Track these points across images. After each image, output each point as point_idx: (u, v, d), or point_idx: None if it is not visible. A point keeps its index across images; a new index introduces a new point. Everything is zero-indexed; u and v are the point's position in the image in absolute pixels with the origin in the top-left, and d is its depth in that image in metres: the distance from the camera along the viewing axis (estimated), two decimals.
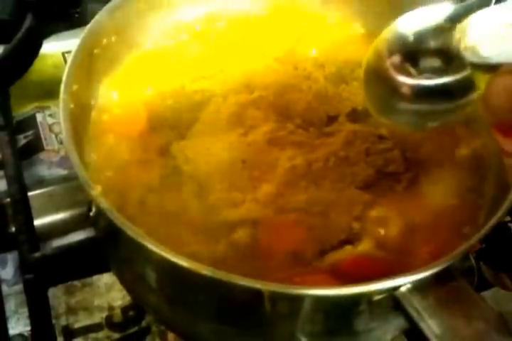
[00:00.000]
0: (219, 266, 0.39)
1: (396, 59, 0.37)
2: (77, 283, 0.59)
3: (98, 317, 0.58)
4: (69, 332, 0.57)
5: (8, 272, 0.61)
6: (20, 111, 0.74)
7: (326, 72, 0.52)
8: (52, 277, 0.55)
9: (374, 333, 0.43)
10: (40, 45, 0.71)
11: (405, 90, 0.37)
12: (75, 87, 0.45)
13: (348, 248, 0.43)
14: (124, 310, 0.58)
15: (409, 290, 0.36)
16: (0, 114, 0.64)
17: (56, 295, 0.58)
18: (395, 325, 0.43)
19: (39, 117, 0.73)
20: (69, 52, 0.77)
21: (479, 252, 0.59)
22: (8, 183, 0.58)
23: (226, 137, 0.48)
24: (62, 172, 0.69)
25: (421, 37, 0.36)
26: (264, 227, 0.44)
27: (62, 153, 0.70)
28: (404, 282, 0.36)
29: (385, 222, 0.44)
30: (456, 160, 0.47)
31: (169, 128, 0.49)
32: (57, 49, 0.78)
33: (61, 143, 0.71)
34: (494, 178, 0.45)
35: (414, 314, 0.36)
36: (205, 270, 0.36)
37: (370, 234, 0.43)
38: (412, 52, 0.36)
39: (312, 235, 0.43)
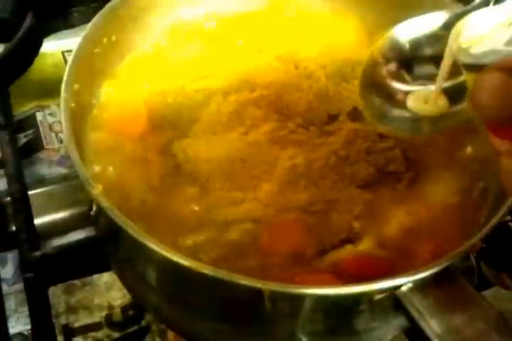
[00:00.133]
0: (219, 265, 0.39)
1: (392, 66, 0.37)
2: (77, 282, 0.59)
3: (98, 316, 0.57)
4: (69, 331, 0.57)
5: (8, 271, 0.61)
6: (21, 110, 0.74)
7: (326, 71, 0.52)
8: (52, 276, 0.55)
9: (375, 332, 0.43)
10: (40, 44, 0.71)
11: (400, 97, 0.38)
12: (75, 86, 0.45)
13: (349, 247, 0.43)
14: (124, 309, 0.58)
15: (410, 290, 0.36)
16: (0, 113, 0.64)
17: (56, 294, 0.58)
18: (396, 324, 0.43)
19: (39, 116, 0.73)
20: (69, 51, 0.77)
21: (479, 251, 0.58)
22: (9, 182, 0.58)
23: (227, 136, 0.48)
24: (62, 171, 0.69)
25: (417, 44, 0.36)
26: (264, 226, 0.44)
27: (62, 152, 0.70)
28: (405, 281, 0.36)
29: (386, 221, 0.44)
30: (457, 159, 0.47)
31: (170, 127, 0.49)
32: (57, 48, 0.78)
33: (61, 142, 0.71)
34: (495, 178, 0.45)
35: (415, 313, 0.36)
36: (205, 269, 0.36)
37: (370, 233, 0.43)
38: (407, 60, 0.37)
39: (313, 234, 0.43)
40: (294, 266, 0.42)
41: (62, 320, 0.57)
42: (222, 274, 0.35)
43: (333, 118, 0.50)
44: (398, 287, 0.36)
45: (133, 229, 0.37)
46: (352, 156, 0.47)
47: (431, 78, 0.37)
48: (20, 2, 0.67)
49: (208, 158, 0.46)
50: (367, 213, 0.44)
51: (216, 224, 0.44)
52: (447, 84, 0.36)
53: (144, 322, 0.57)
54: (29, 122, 0.73)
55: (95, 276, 0.59)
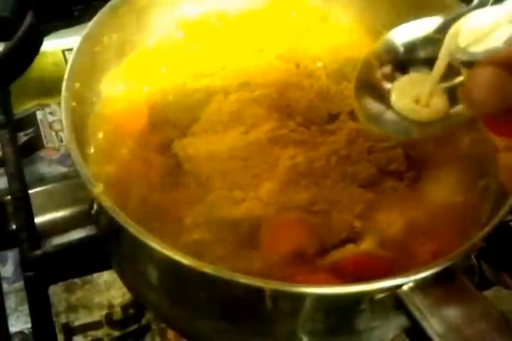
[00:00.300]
0: (220, 263, 0.39)
1: (387, 69, 0.38)
2: (77, 280, 0.59)
3: (98, 315, 0.57)
4: (69, 330, 0.57)
5: (9, 269, 0.61)
6: (21, 108, 0.74)
7: (327, 70, 0.52)
8: (52, 274, 0.55)
9: (375, 332, 0.43)
10: (40, 43, 0.71)
11: None
12: (76, 85, 0.45)
13: (350, 246, 0.43)
14: (124, 307, 0.58)
15: (411, 289, 0.36)
16: (0, 112, 0.64)
17: (56, 292, 0.58)
18: (397, 323, 0.43)
19: (39, 115, 0.73)
20: (69, 49, 0.77)
21: (480, 251, 0.59)
22: (9, 181, 0.58)
23: (227, 135, 0.48)
24: (62, 169, 0.69)
25: (411, 47, 0.37)
26: (265, 226, 0.44)
27: (62, 150, 0.70)
28: (406, 281, 0.36)
29: (387, 220, 0.44)
30: (459, 158, 0.47)
31: (170, 125, 0.49)
32: (58, 47, 0.78)
33: (61, 140, 0.71)
34: (496, 177, 0.45)
35: (416, 313, 0.36)
36: (206, 268, 0.36)
37: (372, 232, 0.43)
38: (402, 62, 0.37)
39: (314, 234, 0.43)
40: (295, 265, 0.42)
41: (63, 319, 0.57)
42: (223, 273, 0.35)
43: (334, 117, 0.50)
44: (399, 286, 0.36)
45: (134, 228, 0.37)
46: (353, 155, 0.47)
47: None
48: (20, 1, 0.67)
49: (208, 156, 0.46)
50: (368, 212, 0.44)
51: (217, 223, 0.44)
52: (441, 86, 0.36)
53: (144, 321, 0.57)
54: (29, 121, 0.73)
55: (95, 275, 0.59)
